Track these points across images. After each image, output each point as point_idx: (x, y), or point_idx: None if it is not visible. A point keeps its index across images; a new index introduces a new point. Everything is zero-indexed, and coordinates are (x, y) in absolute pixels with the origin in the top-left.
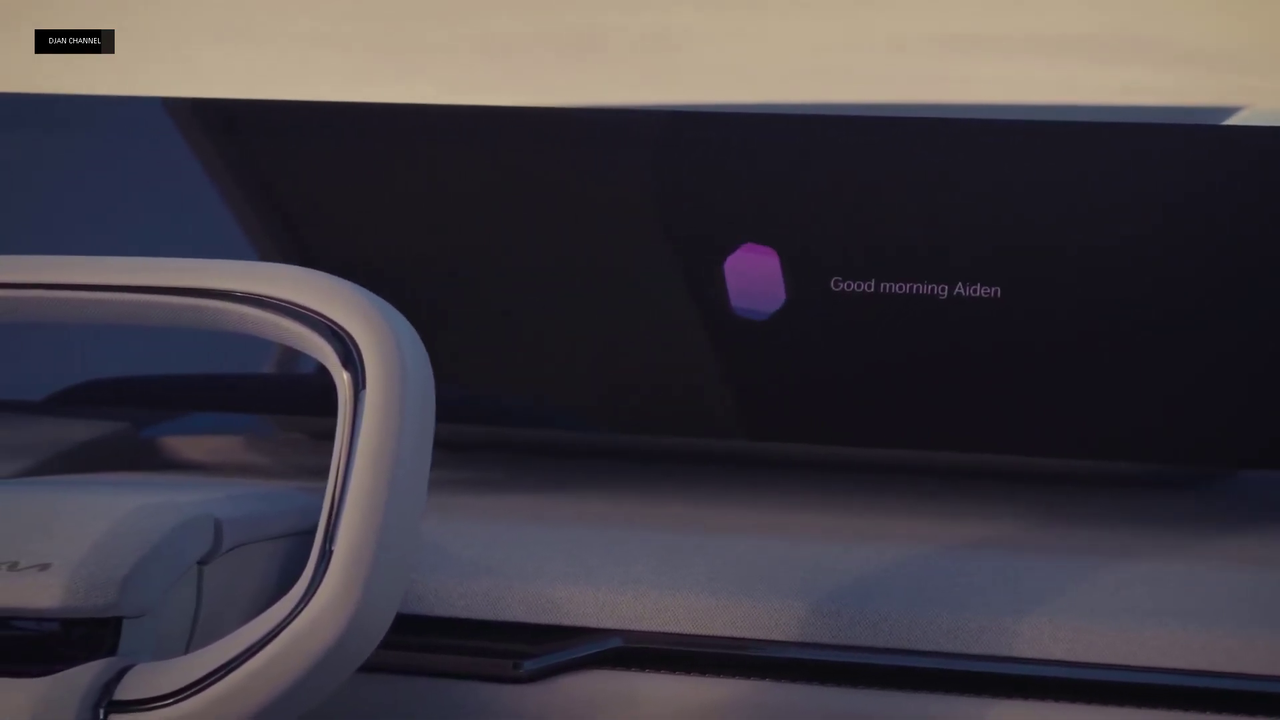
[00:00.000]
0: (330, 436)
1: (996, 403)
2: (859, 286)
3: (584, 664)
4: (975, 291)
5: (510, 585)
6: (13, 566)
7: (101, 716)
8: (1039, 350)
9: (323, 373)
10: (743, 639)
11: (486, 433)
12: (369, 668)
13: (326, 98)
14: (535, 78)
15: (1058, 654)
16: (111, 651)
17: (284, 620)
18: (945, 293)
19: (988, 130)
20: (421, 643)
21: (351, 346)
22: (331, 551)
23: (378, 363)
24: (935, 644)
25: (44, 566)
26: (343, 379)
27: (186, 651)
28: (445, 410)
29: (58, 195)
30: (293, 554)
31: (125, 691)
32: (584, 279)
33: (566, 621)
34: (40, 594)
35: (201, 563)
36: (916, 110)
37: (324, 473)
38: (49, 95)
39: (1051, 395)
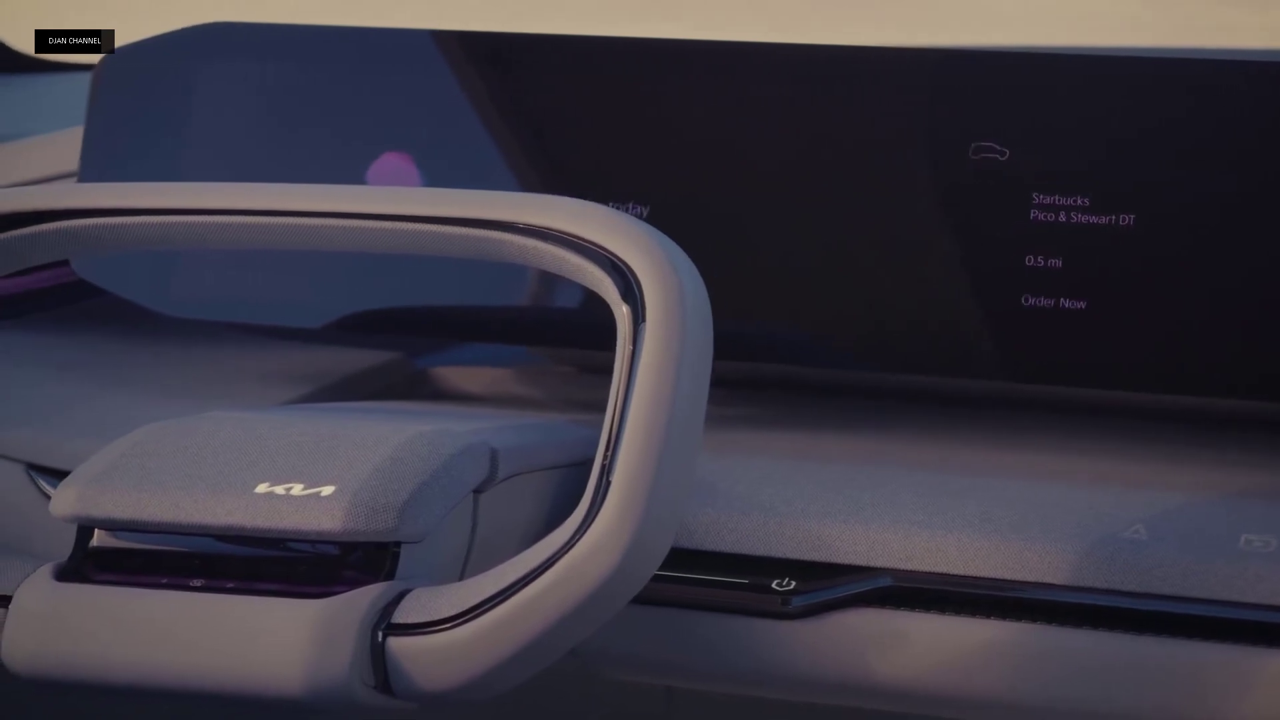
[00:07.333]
0: (600, 370)
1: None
2: (1127, 230)
3: (853, 602)
4: (1253, 236)
5: (780, 521)
6: (295, 490)
7: (380, 639)
8: None
9: (593, 306)
10: (1013, 581)
11: (758, 369)
12: (641, 600)
13: (586, 33)
14: (792, 15)
15: None
16: (389, 576)
17: (561, 549)
18: (1221, 238)
19: (1243, 73)
20: (692, 577)
21: (632, 280)
22: (609, 483)
23: (658, 297)
24: (1210, 591)
25: (325, 490)
26: (622, 312)
27: (461, 579)
28: (719, 345)
29: (327, 126)
30: (565, 485)
31: (403, 615)
32: (854, 218)
33: (836, 559)
34: (322, 517)
35: (478, 491)
36: (1172, 54)
37: (595, 406)
38: (317, 26)
39: None
